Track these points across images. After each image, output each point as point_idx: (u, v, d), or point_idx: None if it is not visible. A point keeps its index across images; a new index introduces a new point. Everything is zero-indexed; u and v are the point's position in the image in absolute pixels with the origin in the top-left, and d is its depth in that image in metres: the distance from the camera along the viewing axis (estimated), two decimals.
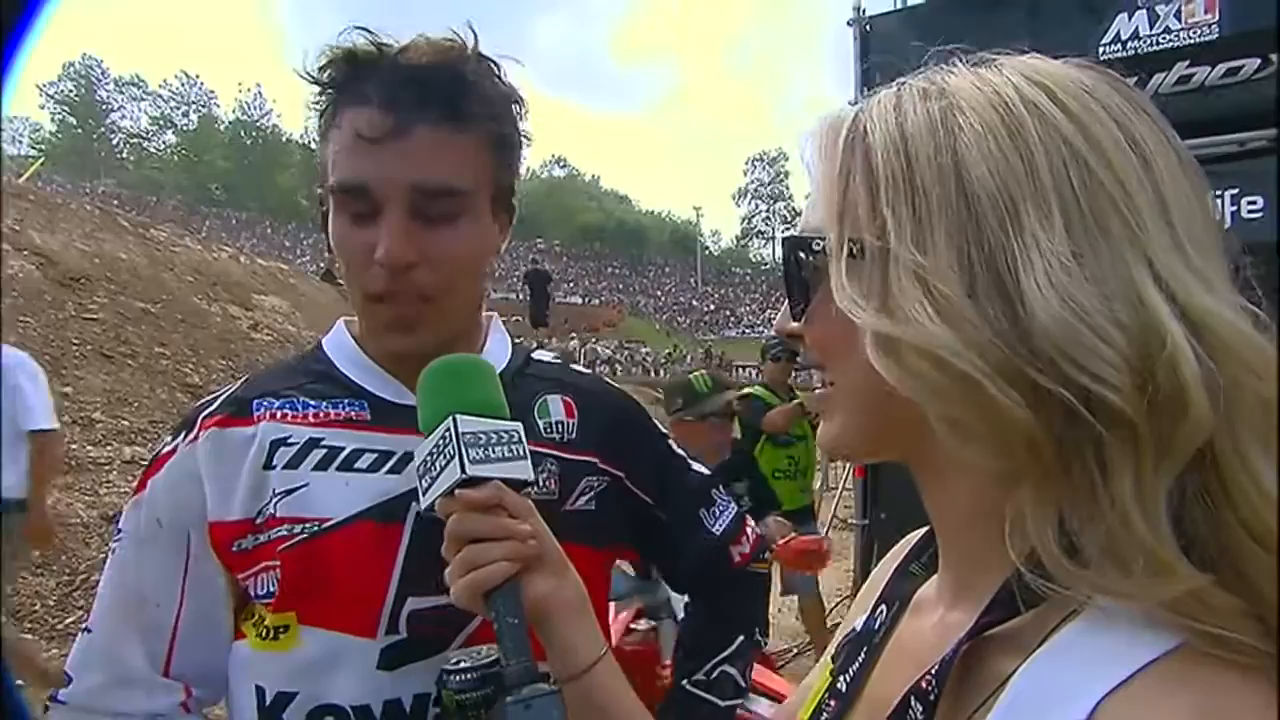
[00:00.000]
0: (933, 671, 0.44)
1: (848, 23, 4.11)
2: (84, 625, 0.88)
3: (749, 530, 1.09)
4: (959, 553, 0.50)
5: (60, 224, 8.61)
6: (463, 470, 0.65)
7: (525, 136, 0.89)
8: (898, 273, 0.43)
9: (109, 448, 6.10)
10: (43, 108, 59.64)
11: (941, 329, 0.40)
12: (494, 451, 0.68)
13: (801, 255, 0.50)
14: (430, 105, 0.79)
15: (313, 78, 0.82)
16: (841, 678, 0.56)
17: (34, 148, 54.93)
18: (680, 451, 1.05)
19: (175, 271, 9.03)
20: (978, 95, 0.44)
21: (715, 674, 1.00)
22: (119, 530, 0.89)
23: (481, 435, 0.67)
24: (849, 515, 4.92)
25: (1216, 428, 0.37)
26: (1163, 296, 0.39)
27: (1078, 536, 0.39)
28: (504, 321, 1.03)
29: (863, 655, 0.55)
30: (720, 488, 1.09)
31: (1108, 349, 0.38)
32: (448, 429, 0.67)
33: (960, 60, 0.48)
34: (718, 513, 1.05)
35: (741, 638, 1.03)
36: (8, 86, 0.48)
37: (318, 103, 0.84)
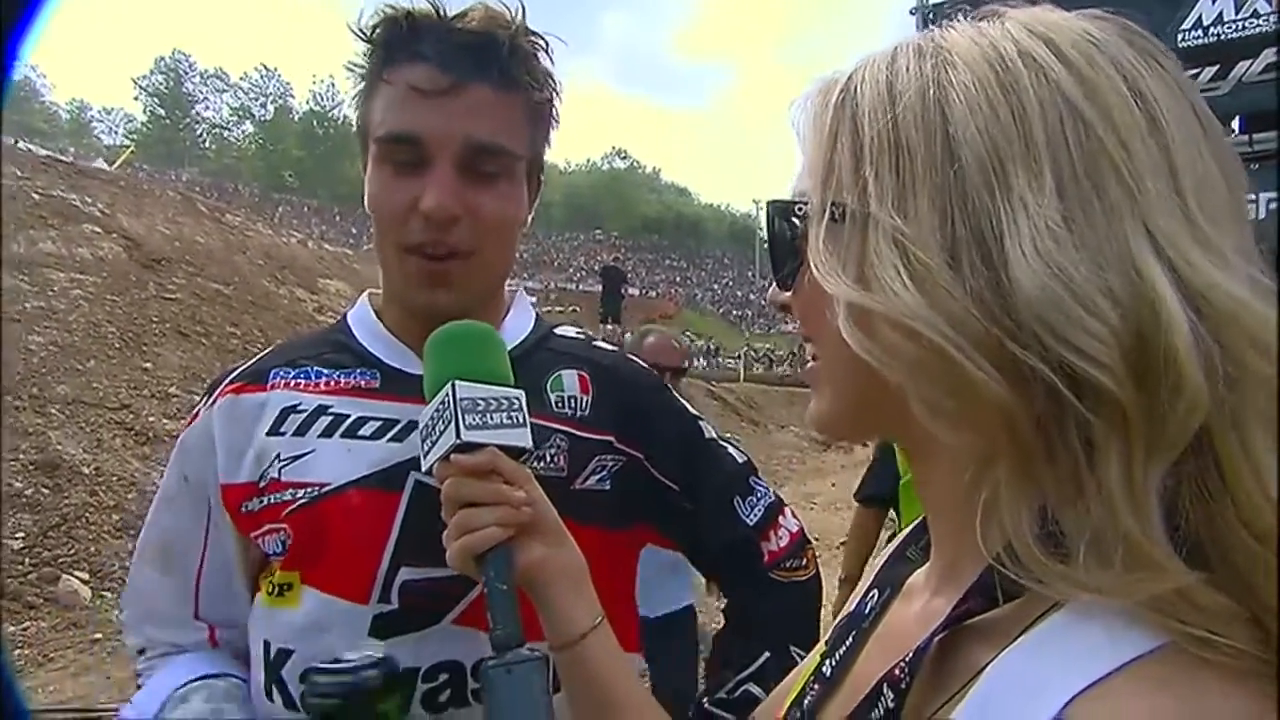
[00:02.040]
0: (906, 659, 0.42)
1: (910, 12, 4.00)
2: (130, 565, 0.98)
3: (784, 523, 1.00)
4: (948, 537, 0.48)
5: (146, 209, 9.13)
6: (458, 435, 0.66)
7: (558, 113, 0.91)
8: (876, 238, 0.40)
9: (183, 421, 6.45)
10: (136, 99, 63.13)
11: (914, 298, 0.38)
12: (492, 418, 0.68)
13: (787, 220, 0.48)
14: (486, 67, 0.82)
15: (365, 35, 0.84)
16: (828, 661, 0.54)
17: (127, 137, 58.30)
18: (713, 434, 1.00)
19: (248, 255, 9.47)
20: (973, 50, 0.41)
21: (738, 692, 0.92)
22: (162, 483, 0.96)
23: (480, 401, 0.68)
24: None
25: (1217, 411, 0.34)
26: (1162, 267, 0.36)
27: (1059, 526, 0.36)
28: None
29: (850, 639, 0.54)
30: (759, 474, 1.01)
31: (1095, 322, 0.35)
32: (447, 394, 0.68)
33: (965, 15, 0.45)
34: (754, 501, 0.97)
35: (768, 655, 0.93)
36: (7, 86, 0.49)
37: (363, 63, 0.85)
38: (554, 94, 0.89)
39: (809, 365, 0.51)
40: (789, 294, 0.50)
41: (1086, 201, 0.37)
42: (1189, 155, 0.38)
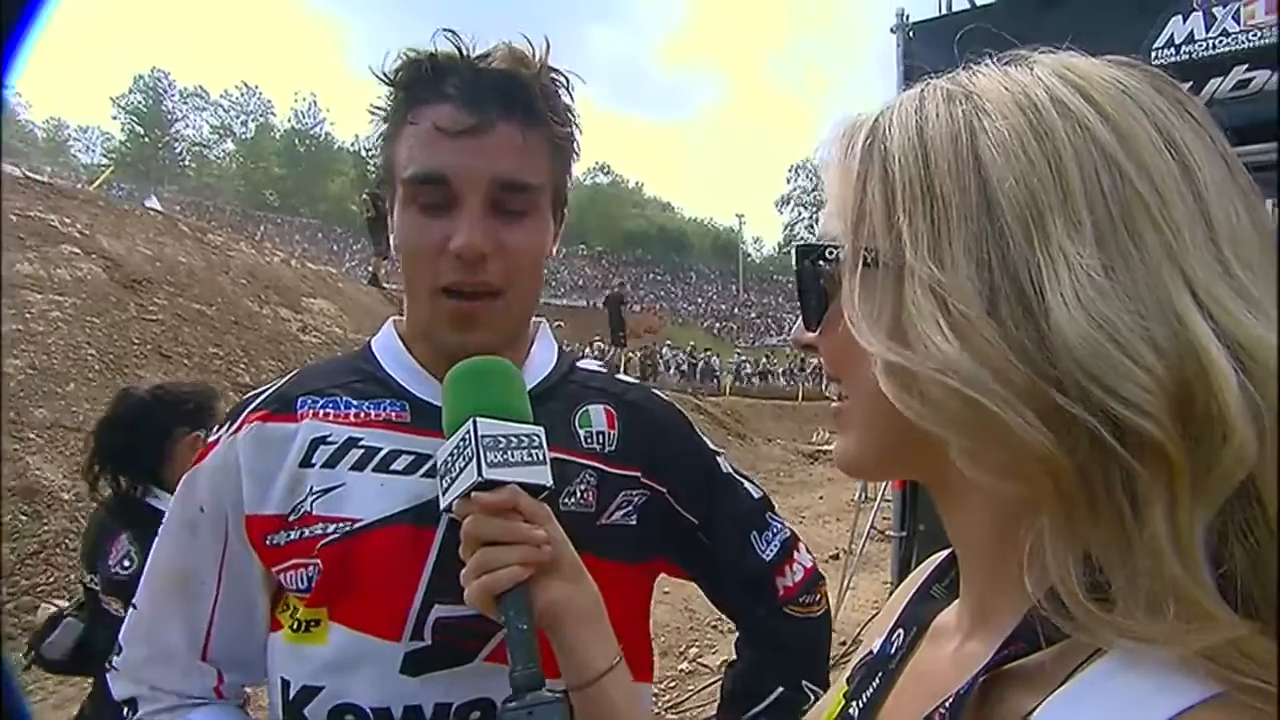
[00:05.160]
0: (947, 704, 0.42)
1: (891, 29, 4.05)
2: (133, 600, 0.93)
3: (798, 558, 1.01)
4: (980, 579, 0.48)
5: (126, 229, 9.01)
6: (479, 473, 0.66)
7: (578, 146, 0.91)
8: (913, 288, 0.40)
9: None
10: (115, 118, 62.39)
11: (955, 350, 0.38)
12: (513, 455, 0.68)
13: (816, 264, 0.48)
14: (509, 106, 0.82)
15: (389, 79, 0.85)
16: (854, 703, 0.54)
17: (106, 156, 57.64)
18: (729, 469, 1.01)
19: (230, 275, 9.36)
20: (1004, 96, 0.42)
21: None
22: (169, 513, 0.92)
23: (501, 439, 0.68)
24: (887, 526, 4.81)
25: (1261, 461, 0.34)
26: (1202, 316, 0.36)
27: (1104, 574, 0.36)
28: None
29: (877, 681, 0.53)
30: (774, 509, 1.03)
31: (1140, 371, 0.35)
32: (468, 431, 0.67)
33: (991, 59, 0.45)
34: (770, 536, 0.99)
35: (782, 689, 0.95)
36: (7, 86, 0.49)
37: (387, 104, 0.86)
38: (575, 128, 0.89)
39: (835, 405, 0.51)
40: (815, 335, 0.50)
41: (1125, 250, 0.37)
42: (1222, 204, 0.38)
